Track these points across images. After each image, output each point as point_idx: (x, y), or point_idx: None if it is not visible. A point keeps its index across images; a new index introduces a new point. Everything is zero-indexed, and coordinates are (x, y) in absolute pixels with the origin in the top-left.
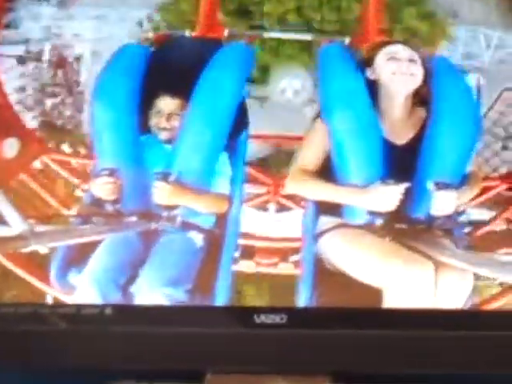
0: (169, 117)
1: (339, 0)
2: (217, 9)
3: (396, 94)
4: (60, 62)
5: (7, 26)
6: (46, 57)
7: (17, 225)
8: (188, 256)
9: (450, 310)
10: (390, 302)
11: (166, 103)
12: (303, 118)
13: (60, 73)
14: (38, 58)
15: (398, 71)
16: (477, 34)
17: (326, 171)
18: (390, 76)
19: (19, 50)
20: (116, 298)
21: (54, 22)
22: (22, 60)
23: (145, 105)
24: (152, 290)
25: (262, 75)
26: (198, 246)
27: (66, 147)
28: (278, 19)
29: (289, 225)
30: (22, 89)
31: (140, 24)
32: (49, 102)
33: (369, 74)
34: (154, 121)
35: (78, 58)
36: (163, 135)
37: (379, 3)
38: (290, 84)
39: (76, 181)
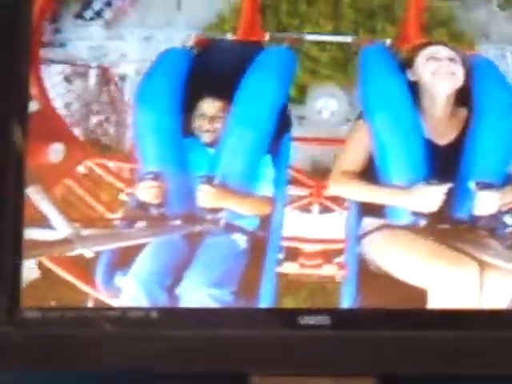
0: (211, 119)
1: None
2: (258, 13)
3: (437, 93)
4: (106, 81)
5: (55, 46)
6: (92, 75)
7: (62, 228)
8: (232, 258)
9: (495, 309)
10: (434, 302)
11: (209, 106)
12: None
13: (105, 91)
14: (84, 76)
15: (438, 71)
16: (505, 52)
17: (369, 172)
18: (430, 76)
19: (66, 68)
20: (162, 300)
21: (101, 42)
22: (68, 79)
23: (188, 108)
24: (197, 292)
25: (299, 95)
26: (241, 248)
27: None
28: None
29: (332, 226)
30: (68, 105)
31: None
32: (94, 119)
33: (409, 75)
34: (196, 123)
35: (122, 78)
36: (206, 137)
37: (420, 4)
38: (327, 104)
39: (120, 185)
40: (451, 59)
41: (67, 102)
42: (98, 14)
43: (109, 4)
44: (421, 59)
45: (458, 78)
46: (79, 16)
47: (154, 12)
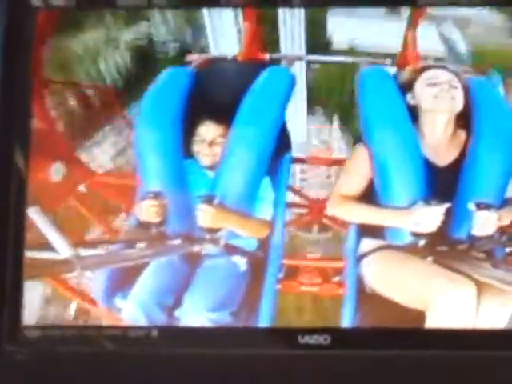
0: (211, 143)
1: None
2: (259, 33)
3: (438, 117)
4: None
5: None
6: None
7: (63, 250)
8: (233, 280)
9: (492, 330)
10: (432, 322)
11: (209, 130)
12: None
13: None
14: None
15: (439, 95)
16: None
17: (368, 194)
18: (431, 100)
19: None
20: (161, 320)
21: None
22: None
23: (188, 130)
24: (197, 315)
25: None
26: (242, 270)
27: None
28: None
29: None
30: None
31: None
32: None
33: (409, 98)
34: (196, 148)
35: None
36: (205, 161)
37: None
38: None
39: (120, 204)
40: (451, 84)
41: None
42: None
43: None
44: (420, 83)
45: (458, 102)
46: None
47: None
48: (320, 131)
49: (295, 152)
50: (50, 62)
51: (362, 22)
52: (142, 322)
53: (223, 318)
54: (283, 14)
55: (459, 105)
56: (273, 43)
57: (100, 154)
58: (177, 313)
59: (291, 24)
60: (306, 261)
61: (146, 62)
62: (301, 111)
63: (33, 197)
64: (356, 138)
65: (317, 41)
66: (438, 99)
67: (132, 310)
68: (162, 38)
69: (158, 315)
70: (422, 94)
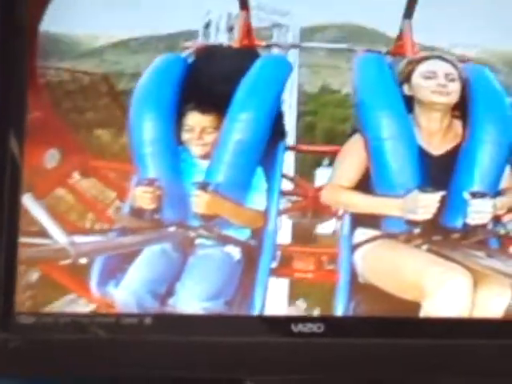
0: (201, 132)
1: None
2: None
3: (434, 110)
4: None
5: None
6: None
7: (57, 236)
8: (227, 270)
9: (487, 318)
10: (427, 311)
11: (195, 119)
12: None
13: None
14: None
15: (435, 89)
16: None
17: (363, 184)
18: (427, 94)
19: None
20: (154, 308)
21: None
22: (68, 85)
23: (179, 119)
24: (191, 304)
25: None
26: (235, 259)
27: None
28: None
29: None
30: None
31: None
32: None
33: (405, 89)
34: (185, 136)
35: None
36: (197, 151)
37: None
38: None
39: (114, 191)
40: (448, 76)
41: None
42: None
43: None
44: (417, 75)
45: (454, 95)
46: None
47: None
48: None
49: (291, 140)
50: (44, 46)
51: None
52: (134, 310)
53: (217, 307)
54: None
55: (455, 98)
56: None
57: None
58: (170, 302)
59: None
60: (300, 248)
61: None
62: (292, 98)
63: (27, 183)
64: (352, 127)
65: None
66: (435, 94)
67: (124, 298)
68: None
69: (151, 303)
70: (419, 86)
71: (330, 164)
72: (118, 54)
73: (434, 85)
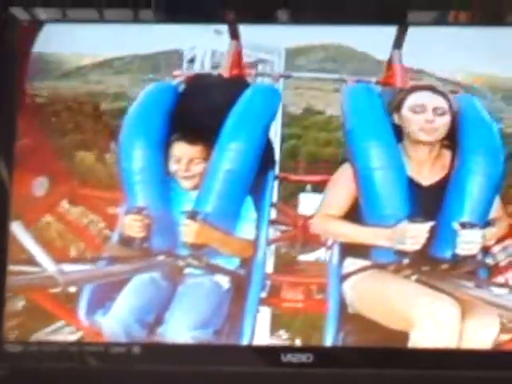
0: (188, 164)
1: None
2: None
3: (421, 144)
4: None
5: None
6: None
7: (46, 265)
8: (216, 299)
9: (476, 350)
10: (416, 342)
11: (185, 150)
12: None
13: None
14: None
15: (423, 127)
16: None
17: (352, 214)
18: (415, 131)
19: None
20: (142, 337)
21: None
22: (57, 114)
23: (167, 149)
24: (181, 333)
25: None
26: (224, 289)
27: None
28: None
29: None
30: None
31: None
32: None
33: (395, 118)
34: (173, 168)
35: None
36: (185, 184)
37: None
38: None
39: (104, 220)
40: (437, 109)
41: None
42: None
43: None
44: (406, 108)
45: (442, 130)
46: None
47: None
48: None
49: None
50: (35, 75)
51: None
52: (122, 338)
53: (206, 337)
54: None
55: (443, 133)
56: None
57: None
58: (159, 330)
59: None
60: (289, 278)
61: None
62: None
63: (16, 211)
64: (342, 158)
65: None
66: (421, 132)
67: (112, 327)
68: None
69: (139, 332)
70: (407, 120)
71: (315, 190)
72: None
73: (422, 120)
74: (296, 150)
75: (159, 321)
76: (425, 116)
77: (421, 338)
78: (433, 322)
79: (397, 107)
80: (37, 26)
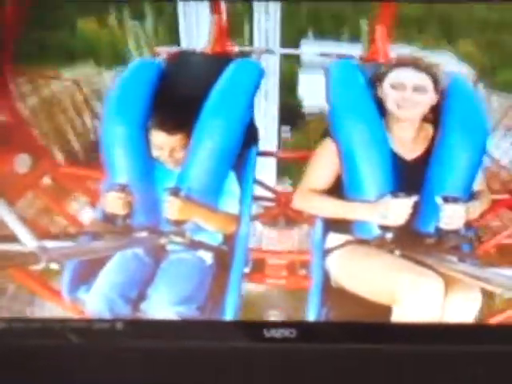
0: (171, 152)
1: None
2: (226, 27)
3: (402, 119)
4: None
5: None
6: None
7: (28, 241)
8: (199, 274)
9: (458, 324)
10: (398, 316)
11: (165, 141)
12: None
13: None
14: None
15: (401, 102)
16: None
17: (335, 189)
18: (394, 108)
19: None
20: (125, 313)
21: None
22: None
23: (149, 132)
24: (164, 309)
25: None
26: (207, 264)
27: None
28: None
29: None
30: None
31: None
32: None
33: (378, 92)
34: (156, 153)
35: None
36: (168, 165)
37: (389, 20)
38: None
39: (86, 196)
40: (417, 88)
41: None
42: None
43: None
44: (387, 82)
45: (422, 106)
46: None
47: None
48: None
49: (265, 145)
50: (18, 53)
51: None
52: (106, 313)
53: (190, 312)
54: (258, 12)
55: (422, 110)
56: (246, 37)
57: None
58: (142, 306)
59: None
60: (273, 254)
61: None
62: (273, 105)
63: None
64: (324, 131)
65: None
66: (402, 108)
67: (95, 303)
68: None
69: (122, 308)
70: (388, 96)
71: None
72: None
73: (400, 97)
74: None
75: (142, 296)
76: (403, 93)
77: (404, 313)
78: (416, 296)
79: (379, 81)
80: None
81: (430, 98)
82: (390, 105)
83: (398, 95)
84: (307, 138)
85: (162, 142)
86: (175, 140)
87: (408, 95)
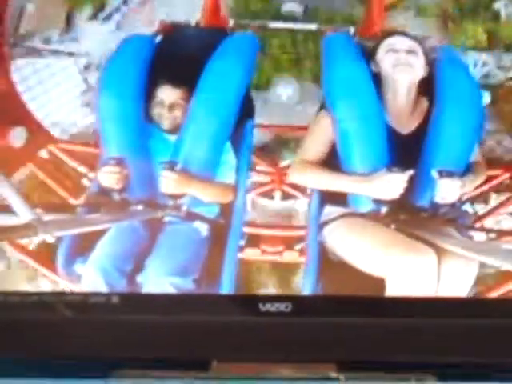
0: (171, 107)
1: None
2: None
3: (398, 85)
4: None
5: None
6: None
7: (24, 214)
8: (194, 246)
9: (452, 297)
10: (393, 290)
11: (168, 93)
12: (295, 113)
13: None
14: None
15: (396, 63)
16: None
17: (331, 161)
18: (389, 68)
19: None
20: (122, 285)
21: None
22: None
23: (148, 94)
24: (160, 280)
25: (264, 83)
26: (203, 236)
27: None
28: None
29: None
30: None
31: None
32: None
33: (372, 66)
34: (155, 110)
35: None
36: (166, 125)
37: None
38: (285, 90)
39: (83, 170)
40: (410, 51)
41: (30, 85)
42: None
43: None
44: (381, 51)
45: (416, 69)
46: None
47: None
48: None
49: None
50: (13, 23)
51: None
52: (102, 286)
53: (186, 284)
54: None
55: (419, 72)
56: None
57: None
58: (139, 278)
59: None
60: (268, 228)
61: None
62: None
63: None
64: (320, 103)
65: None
66: (397, 67)
67: (91, 275)
68: None
69: (118, 280)
70: (382, 61)
71: None
72: None
73: (395, 59)
74: None
75: (139, 268)
76: (397, 55)
77: (397, 287)
78: (408, 269)
79: (373, 53)
80: None
81: (422, 65)
82: (387, 68)
83: (392, 57)
84: None
85: (165, 95)
86: (178, 93)
87: (403, 56)
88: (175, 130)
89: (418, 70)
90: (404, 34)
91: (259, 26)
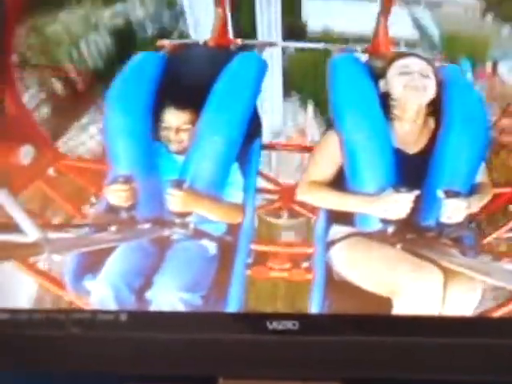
0: (177, 130)
1: None
2: (229, 20)
3: (408, 106)
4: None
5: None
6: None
7: (31, 232)
8: (202, 263)
9: (458, 317)
10: (399, 309)
11: (174, 117)
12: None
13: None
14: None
15: (409, 84)
16: None
17: (338, 180)
18: (401, 90)
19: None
20: (130, 302)
21: None
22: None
23: (156, 115)
24: (168, 295)
25: None
26: (211, 254)
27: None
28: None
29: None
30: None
31: None
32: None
33: (381, 85)
34: (163, 133)
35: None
36: (173, 148)
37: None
38: None
39: (91, 188)
40: (422, 74)
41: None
42: None
43: None
44: (393, 72)
45: (429, 92)
46: None
47: None
48: (295, 117)
49: (268, 137)
50: (24, 44)
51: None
52: (111, 301)
53: (194, 300)
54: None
55: (430, 94)
56: (250, 30)
57: (71, 138)
58: (148, 294)
59: (268, 11)
60: (276, 246)
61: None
62: (276, 97)
63: (2, 179)
64: (327, 124)
65: (292, 27)
66: (409, 89)
67: (102, 290)
68: (141, 21)
69: (128, 296)
70: (394, 82)
71: None
72: None
73: (408, 80)
74: None
75: (148, 284)
76: (412, 76)
77: (404, 306)
78: (415, 289)
79: (383, 73)
80: None
81: (433, 87)
82: (398, 89)
83: (405, 78)
84: None
85: (171, 118)
86: (184, 116)
87: (416, 77)
88: (183, 151)
89: (430, 91)
90: (415, 55)
91: (267, 45)
